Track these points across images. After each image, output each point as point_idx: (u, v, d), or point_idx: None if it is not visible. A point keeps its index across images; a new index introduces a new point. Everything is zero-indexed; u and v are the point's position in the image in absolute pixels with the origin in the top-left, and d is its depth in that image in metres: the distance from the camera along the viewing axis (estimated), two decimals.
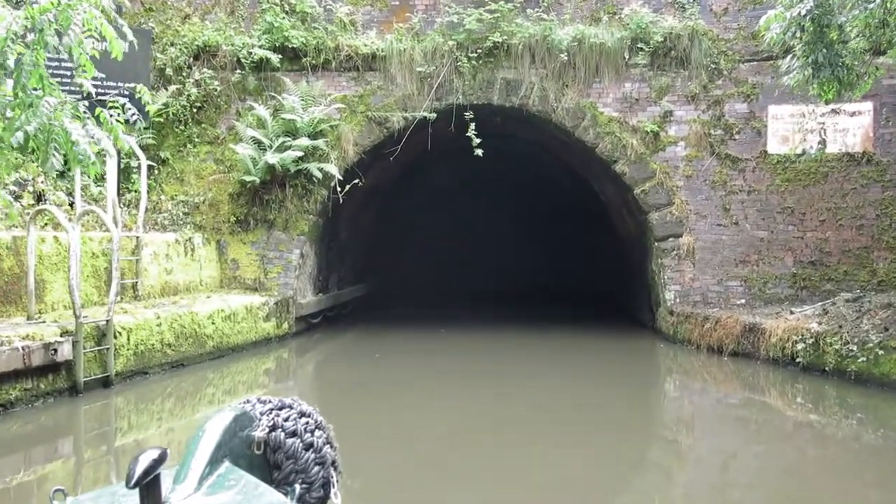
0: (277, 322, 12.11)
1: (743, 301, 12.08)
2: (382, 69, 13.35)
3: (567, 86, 13.10)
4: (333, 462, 2.91)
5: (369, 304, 17.99)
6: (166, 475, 2.19)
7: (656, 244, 12.68)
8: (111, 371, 8.45)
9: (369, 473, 6.01)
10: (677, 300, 12.32)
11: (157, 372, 9.45)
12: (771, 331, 10.03)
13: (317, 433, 2.83)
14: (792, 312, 10.36)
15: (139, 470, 1.95)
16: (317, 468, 2.75)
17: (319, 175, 12.74)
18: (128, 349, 8.82)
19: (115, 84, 11.16)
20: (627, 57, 12.98)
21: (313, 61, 13.31)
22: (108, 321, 8.36)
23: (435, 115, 13.18)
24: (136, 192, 12.06)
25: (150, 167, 12.72)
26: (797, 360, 9.58)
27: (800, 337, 9.52)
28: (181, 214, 12.38)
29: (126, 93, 10.74)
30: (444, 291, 21.61)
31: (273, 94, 13.15)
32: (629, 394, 9.81)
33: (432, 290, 21.79)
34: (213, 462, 2.32)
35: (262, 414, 2.78)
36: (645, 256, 13.62)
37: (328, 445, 2.88)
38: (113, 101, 6.26)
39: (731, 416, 8.87)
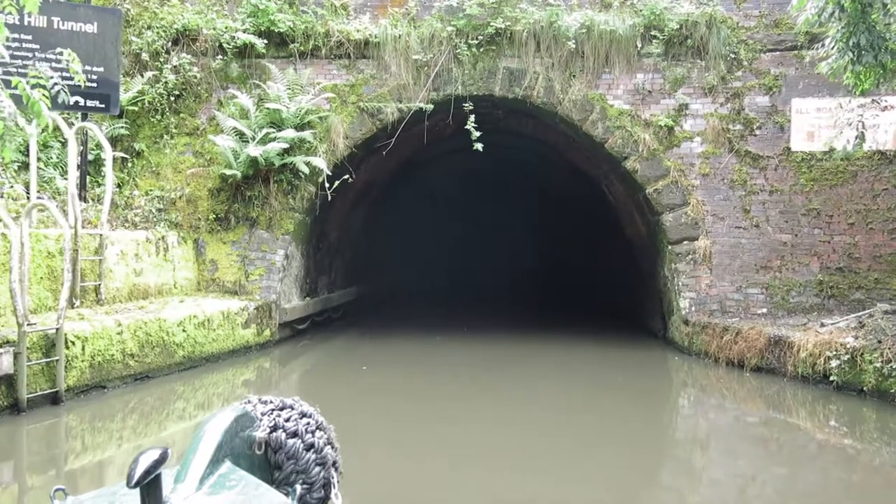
0: (258, 329, 11.14)
1: (764, 310, 11.12)
2: (376, 57, 12.40)
3: (574, 76, 12.15)
4: (334, 463, 2.86)
5: (362, 308, 17.03)
6: (167, 475, 2.14)
7: (670, 248, 11.72)
8: (61, 386, 7.49)
9: None
10: (692, 309, 11.35)
11: (118, 386, 8.49)
12: (800, 345, 9.07)
13: (318, 434, 2.79)
14: (823, 325, 9.40)
15: (140, 470, 1.92)
16: (318, 469, 2.71)
17: (306, 170, 11.78)
18: (82, 361, 7.86)
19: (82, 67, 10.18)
20: (640, 45, 12.04)
21: (301, 48, 12.36)
22: (57, 329, 7.39)
23: (432, 106, 12.23)
24: (114, 185, 11.14)
25: (123, 160, 11.81)
26: (830, 378, 8.62)
27: (834, 352, 8.56)
28: (155, 211, 11.40)
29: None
30: (442, 295, 20.68)
31: (258, 82, 12.19)
32: (640, 411, 8.87)
33: (429, 294, 20.85)
34: (215, 462, 2.28)
35: (263, 414, 2.73)
36: (656, 261, 12.66)
37: (329, 446, 2.84)
38: (36, 73, 5.29)
39: (753, 435, 7.93)
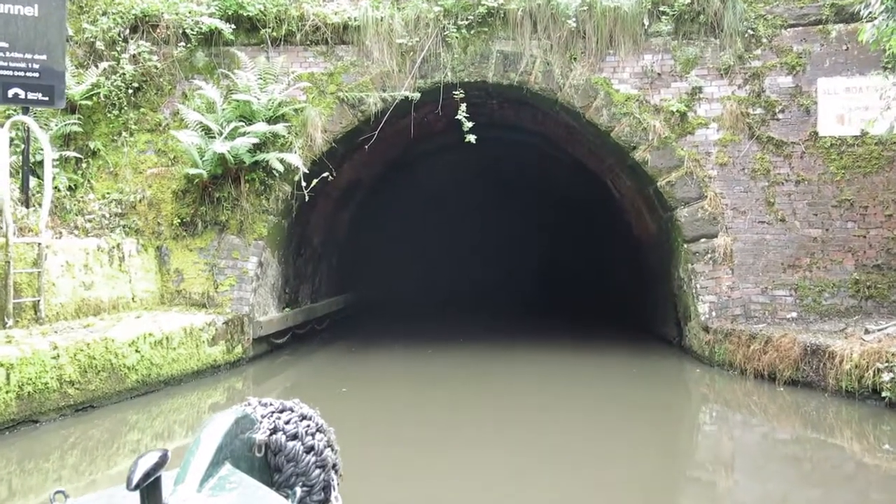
0: (228, 345, 9.96)
1: (794, 314, 9.94)
2: (356, 42, 11.24)
3: (575, 59, 10.99)
4: (334, 465, 2.83)
5: (350, 318, 15.86)
6: (167, 477, 2.11)
7: (685, 246, 10.55)
8: None
9: None
10: (713, 314, 10.17)
11: (54, 419, 7.29)
12: (843, 355, 7.89)
13: (318, 436, 2.76)
14: (868, 331, 8.23)
15: (139, 472, 1.90)
16: (318, 471, 2.69)
17: (280, 167, 10.61)
18: (7, 392, 6.67)
19: (20, 55, 9.04)
20: (647, 24, 10.90)
21: (273, 33, 11.20)
22: None
23: (418, 95, 11.06)
24: (65, 189, 9.98)
25: (77, 160, 10.63)
26: (882, 393, 7.44)
27: (885, 364, 7.38)
28: (112, 216, 10.23)
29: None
30: (438, 301, 19.48)
31: (226, 72, 11.02)
32: (659, 429, 7.74)
33: (424, 300, 19.66)
34: (215, 464, 2.26)
35: (262, 416, 2.68)
36: (669, 261, 11.49)
37: (329, 448, 2.80)
38: None
39: (789, 458, 6.79)
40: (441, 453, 6.85)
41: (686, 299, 10.76)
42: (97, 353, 7.69)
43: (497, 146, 17.41)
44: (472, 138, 10.75)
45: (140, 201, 10.63)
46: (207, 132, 10.58)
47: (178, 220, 10.67)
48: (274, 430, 2.68)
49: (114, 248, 9.53)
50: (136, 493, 1.97)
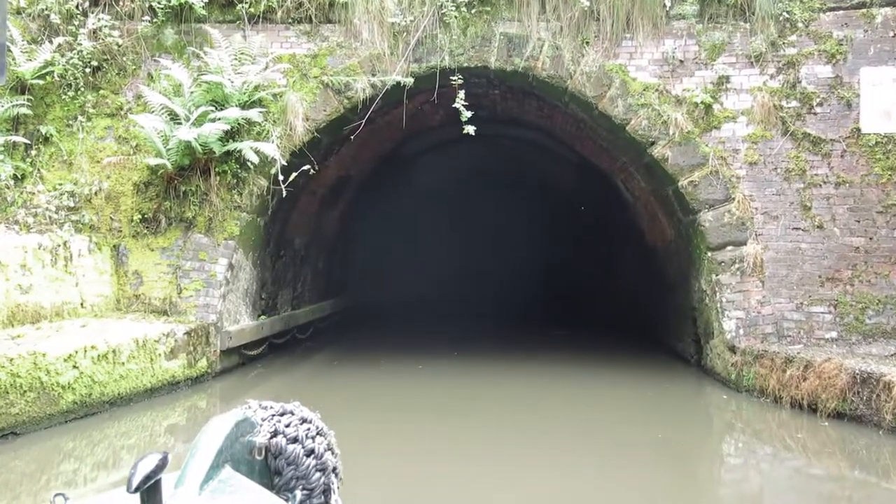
0: (190, 359, 8.77)
1: (833, 334, 8.75)
2: (343, 21, 10.08)
3: (588, 43, 9.83)
4: (334, 468, 2.79)
5: (338, 325, 14.67)
6: (167, 480, 2.06)
7: (709, 255, 9.37)
8: None
9: None
10: (740, 331, 8.98)
11: None
12: None
13: (318, 439, 2.72)
14: None
15: (140, 475, 1.88)
16: (318, 474, 2.65)
17: (255, 158, 9.44)
18: None
19: None
20: (669, 4, 9.74)
21: (251, 9, 10.04)
22: None
23: (412, 80, 9.90)
24: (9, 178, 8.81)
25: (25, 146, 9.45)
26: None
27: None
28: (63, 210, 9.05)
29: None
30: (434, 308, 18.29)
31: (197, 51, 9.85)
32: (682, 467, 6.55)
33: (418, 307, 18.47)
34: (215, 467, 2.23)
35: (263, 420, 2.62)
36: (688, 271, 10.31)
37: (329, 452, 2.76)
38: None
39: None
40: (426, 498, 5.66)
41: (708, 314, 9.57)
42: (23, 370, 6.50)
43: (499, 144, 16.28)
44: (470, 129, 9.57)
45: (96, 194, 9.46)
46: (174, 117, 9.41)
47: (139, 216, 9.50)
48: (274, 434, 2.63)
49: (59, 246, 8.34)
50: (137, 496, 1.96)
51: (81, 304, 8.61)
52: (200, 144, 9.23)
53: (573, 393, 9.17)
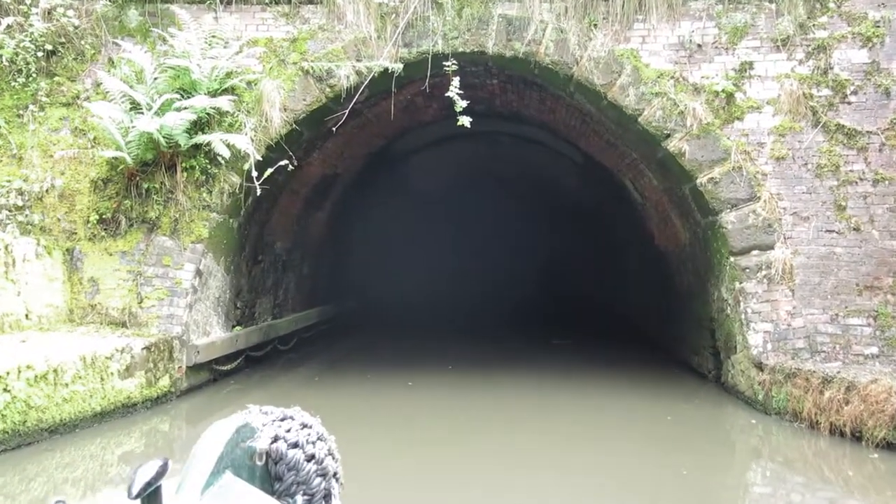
0: (149, 377, 7.79)
1: (874, 349, 7.78)
2: (326, 2, 9.19)
3: (596, 26, 8.88)
4: (335, 473, 2.69)
5: (325, 334, 13.68)
6: (167, 486, 2.05)
7: (731, 260, 8.40)
8: None
9: None
10: (768, 346, 8.00)
11: None
12: None
13: (318, 444, 2.62)
14: None
15: (140, 482, 1.89)
16: (318, 480, 2.58)
17: (227, 153, 8.47)
18: None
19: None
20: None
21: None
22: None
23: (401, 66, 8.94)
24: None
25: None
26: None
27: None
28: (9, 209, 8.08)
29: None
30: (426, 316, 17.31)
31: (164, 33, 8.89)
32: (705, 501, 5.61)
33: (411, 314, 17.48)
34: (215, 473, 2.22)
35: (263, 425, 2.52)
36: (706, 277, 9.35)
37: (330, 457, 2.67)
38: None
39: None
40: None
41: (730, 326, 8.60)
42: None
43: (498, 142, 15.31)
44: (465, 121, 8.61)
45: (48, 192, 8.49)
46: (135, 107, 8.45)
47: (97, 217, 8.52)
48: (275, 439, 2.51)
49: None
50: (137, 503, 1.94)
51: (26, 316, 7.63)
52: (164, 136, 8.26)
53: (580, 415, 8.18)
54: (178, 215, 8.61)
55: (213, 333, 9.15)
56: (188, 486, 2.17)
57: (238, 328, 9.87)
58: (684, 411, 8.15)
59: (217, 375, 9.36)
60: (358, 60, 9.02)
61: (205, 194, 8.72)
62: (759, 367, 7.92)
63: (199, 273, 8.64)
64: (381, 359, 11.63)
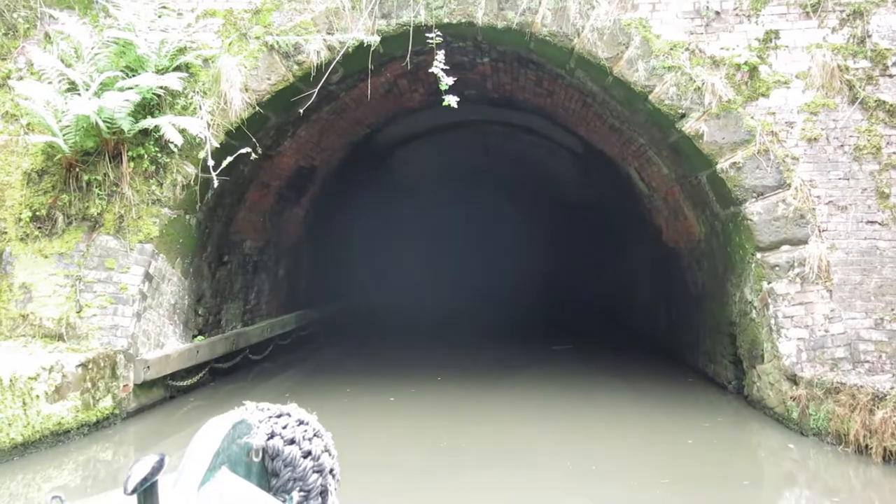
0: (87, 398, 6.70)
1: None
2: None
3: None
4: (331, 470, 2.81)
5: (305, 341, 12.59)
6: (164, 482, 2.09)
7: (757, 256, 7.34)
8: None
9: None
10: (803, 356, 6.94)
11: None
12: None
13: (315, 441, 2.75)
14: None
15: (136, 477, 1.92)
16: (315, 476, 2.69)
17: (178, 139, 7.36)
18: None
19: None
20: None
21: None
22: None
23: (378, 38, 7.86)
24: None
25: None
26: None
27: None
28: None
29: None
30: (414, 321, 16.20)
31: (107, 3, 7.80)
32: None
33: (398, 320, 16.38)
34: (212, 469, 2.27)
35: (260, 421, 2.66)
36: (725, 277, 8.30)
37: (326, 453, 2.79)
38: None
39: None
40: None
41: (755, 332, 7.53)
42: None
43: (490, 132, 14.23)
44: (452, 100, 7.52)
45: None
46: (73, 87, 7.36)
47: (30, 214, 7.45)
48: (271, 435, 2.63)
49: None
50: (133, 498, 1.96)
51: None
52: (105, 120, 7.18)
53: (589, 445, 7.09)
54: (123, 211, 7.52)
55: (168, 345, 8.05)
56: (185, 481, 2.17)
57: (200, 338, 8.78)
58: (708, 433, 7.06)
59: (175, 392, 8.27)
60: (330, 34, 7.94)
61: (155, 187, 7.63)
62: (793, 379, 6.85)
63: (148, 277, 7.55)
64: (364, 368, 10.55)
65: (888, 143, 7.20)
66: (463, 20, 7.98)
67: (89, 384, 6.72)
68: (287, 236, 11.74)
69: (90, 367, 6.74)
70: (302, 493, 2.64)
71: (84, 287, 7.33)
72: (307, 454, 2.68)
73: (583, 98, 9.42)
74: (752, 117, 7.46)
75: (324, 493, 2.72)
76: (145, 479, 1.91)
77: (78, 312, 7.24)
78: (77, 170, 7.48)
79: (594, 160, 12.26)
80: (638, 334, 13.05)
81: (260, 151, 7.98)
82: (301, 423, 2.77)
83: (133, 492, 1.90)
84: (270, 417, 2.71)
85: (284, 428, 2.68)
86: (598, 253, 16.46)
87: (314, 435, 2.77)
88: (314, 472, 2.68)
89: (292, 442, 2.66)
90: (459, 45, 8.64)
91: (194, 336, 8.73)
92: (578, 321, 15.97)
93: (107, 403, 6.97)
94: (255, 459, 2.55)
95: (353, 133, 11.41)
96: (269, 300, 11.34)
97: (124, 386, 7.23)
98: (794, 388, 6.83)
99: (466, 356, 11.48)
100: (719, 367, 8.84)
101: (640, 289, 13.15)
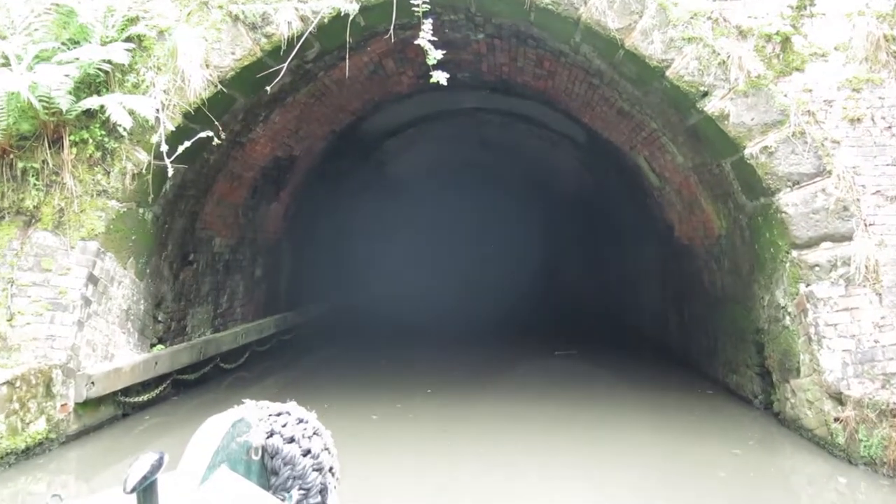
0: (14, 422, 5.73)
1: None
2: None
3: None
4: (331, 468, 2.78)
5: (287, 347, 11.62)
6: (163, 480, 2.06)
7: (793, 254, 6.39)
8: None
9: None
10: (849, 370, 5.98)
11: None
12: None
13: (314, 439, 2.73)
14: None
15: (136, 476, 1.89)
16: (314, 474, 2.67)
17: (129, 122, 6.40)
18: None
19: None
20: None
21: None
22: None
23: (358, 6, 6.89)
24: None
25: None
26: None
27: None
28: None
29: None
30: (404, 326, 15.18)
31: None
32: None
33: (386, 324, 15.36)
34: (212, 467, 2.26)
35: (259, 420, 2.66)
36: (752, 278, 7.35)
37: (326, 451, 2.77)
38: None
39: None
40: None
41: (789, 341, 6.58)
42: None
43: (486, 121, 13.27)
44: (441, 77, 6.58)
45: None
46: (7, 63, 6.39)
47: None
48: (271, 434, 2.61)
49: None
50: (133, 497, 1.93)
51: None
52: (41, 99, 6.22)
53: (601, 461, 6.14)
54: (64, 204, 6.56)
55: (119, 356, 7.08)
56: (184, 480, 2.16)
57: (159, 347, 7.80)
58: (739, 461, 6.09)
59: (128, 409, 7.30)
60: (302, 2, 6.97)
61: (101, 176, 6.67)
62: (838, 398, 5.90)
63: (92, 279, 6.58)
64: (349, 378, 9.59)
65: None
66: None
67: (17, 405, 5.75)
68: (265, 233, 10.77)
69: (18, 384, 5.77)
70: (301, 492, 2.62)
71: (17, 291, 6.36)
72: (307, 452, 2.66)
73: (588, 79, 8.47)
74: (785, 95, 6.51)
75: (323, 491, 2.69)
76: (145, 478, 1.88)
77: (9, 321, 6.27)
78: (11, 157, 6.52)
79: (599, 150, 11.32)
80: (645, 337, 12.10)
81: (224, 137, 7.03)
82: (300, 421, 2.75)
83: (132, 490, 1.88)
84: (270, 416, 2.69)
85: (284, 426, 2.66)
86: (601, 249, 15.51)
87: (314, 433, 2.74)
88: (314, 470, 2.66)
89: (292, 440, 2.64)
90: (451, 17, 7.71)
91: (153, 345, 7.76)
92: (580, 321, 15.03)
93: (39, 427, 6.01)
94: (255, 458, 2.53)
95: (336, 120, 10.45)
96: (245, 303, 10.37)
97: (62, 405, 6.26)
98: (838, 407, 5.88)
99: (460, 363, 10.50)
100: (742, 378, 7.89)
101: (647, 288, 12.19)
